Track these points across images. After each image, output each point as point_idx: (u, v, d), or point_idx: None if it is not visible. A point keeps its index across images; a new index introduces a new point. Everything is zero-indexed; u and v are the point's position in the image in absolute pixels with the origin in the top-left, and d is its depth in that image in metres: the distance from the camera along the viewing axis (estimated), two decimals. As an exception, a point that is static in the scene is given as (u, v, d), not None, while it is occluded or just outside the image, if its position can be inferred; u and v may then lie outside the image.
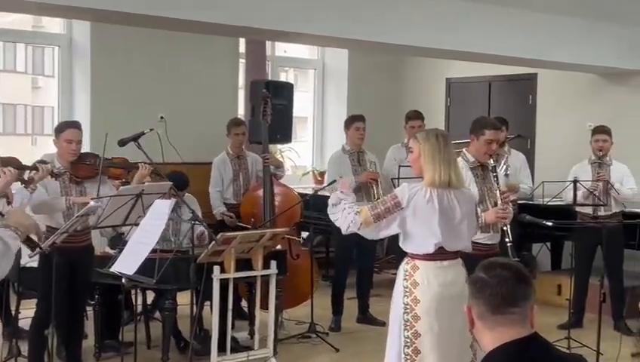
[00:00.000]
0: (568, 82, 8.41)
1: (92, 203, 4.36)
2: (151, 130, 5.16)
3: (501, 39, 6.86)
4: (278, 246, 5.41)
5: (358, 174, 6.35)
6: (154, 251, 4.05)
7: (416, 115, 6.84)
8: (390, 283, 7.44)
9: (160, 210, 4.02)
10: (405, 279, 3.68)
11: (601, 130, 6.36)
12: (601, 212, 6.22)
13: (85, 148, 5.52)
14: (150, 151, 5.01)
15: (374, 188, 6.27)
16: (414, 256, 3.69)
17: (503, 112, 8.03)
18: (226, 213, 6.38)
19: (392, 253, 8.78)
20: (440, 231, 3.61)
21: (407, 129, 6.68)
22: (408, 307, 3.64)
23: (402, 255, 3.79)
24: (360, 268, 6.61)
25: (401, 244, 3.75)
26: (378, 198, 6.19)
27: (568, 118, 8.39)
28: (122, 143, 4.95)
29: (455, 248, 3.71)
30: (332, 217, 3.81)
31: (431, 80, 9.61)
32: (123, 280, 4.14)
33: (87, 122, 7.22)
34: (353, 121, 6.49)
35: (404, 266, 3.72)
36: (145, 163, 4.93)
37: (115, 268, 4.03)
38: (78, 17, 6.68)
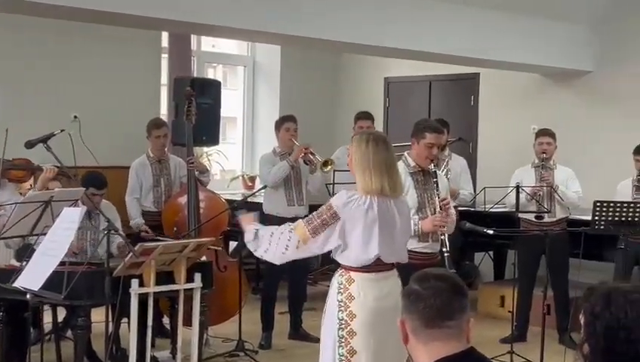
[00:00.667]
0: (511, 82, 8.58)
1: (-8, 211, 4.23)
2: (62, 130, 5.05)
3: (442, 37, 6.95)
4: (203, 258, 5.33)
5: (290, 177, 6.32)
6: (62, 264, 3.94)
7: (365, 116, 6.87)
8: (326, 296, 7.46)
9: (69, 218, 3.91)
10: (340, 292, 3.68)
11: (544, 133, 6.50)
12: (545, 218, 6.35)
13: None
14: (62, 154, 4.89)
15: (313, 159, 6.26)
16: (349, 268, 3.68)
17: (443, 114, 8.15)
18: (143, 228, 6.26)
19: (327, 263, 8.80)
20: (379, 241, 3.62)
21: (356, 130, 6.70)
22: (343, 322, 3.64)
23: (338, 265, 3.78)
24: (292, 279, 6.59)
25: (334, 256, 3.73)
26: (324, 164, 6.19)
27: (511, 119, 8.56)
28: (30, 145, 4.83)
29: (392, 259, 3.73)
30: (258, 252, 3.72)
31: (369, 79, 9.69)
32: (28, 296, 4.01)
33: (-9, 122, 7.01)
34: (283, 121, 6.48)
35: (338, 278, 3.71)
36: (54, 166, 4.81)
37: (19, 283, 3.90)
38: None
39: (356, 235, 3.61)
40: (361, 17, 6.46)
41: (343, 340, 3.63)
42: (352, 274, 3.67)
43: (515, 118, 8.51)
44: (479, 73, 8.77)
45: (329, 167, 6.27)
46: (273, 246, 3.65)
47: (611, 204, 5.79)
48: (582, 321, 2.37)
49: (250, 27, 6.04)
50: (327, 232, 3.59)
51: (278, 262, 3.75)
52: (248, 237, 3.73)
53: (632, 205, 5.82)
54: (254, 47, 9.48)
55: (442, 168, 6.55)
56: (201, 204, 6.18)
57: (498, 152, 8.47)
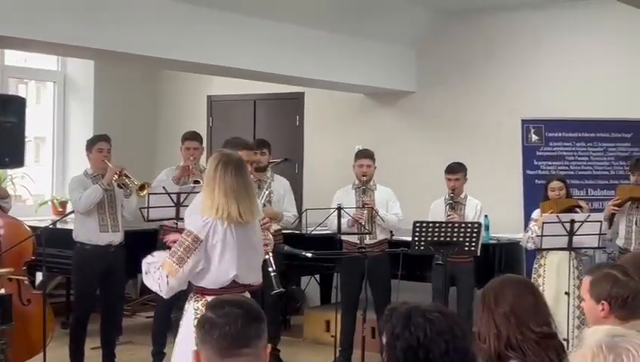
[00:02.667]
0: (336, 102, 8.84)
1: None
2: None
3: (265, 55, 7.07)
4: (2, 290, 5.13)
5: (104, 201, 6.15)
6: None
7: (192, 136, 6.79)
8: (144, 328, 7.33)
9: None
10: (197, 318, 3.67)
11: (364, 155, 6.72)
12: (367, 240, 6.55)
13: None
14: None
15: (128, 182, 6.13)
16: (204, 291, 3.74)
17: (269, 133, 8.28)
18: None
19: (147, 293, 8.63)
20: (238, 262, 3.75)
21: (183, 151, 6.64)
22: None
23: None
24: (106, 311, 6.41)
25: (192, 279, 3.79)
26: (140, 188, 6.07)
27: (337, 140, 8.80)
28: None
29: (249, 280, 3.86)
30: (152, 286, 3.81)
31: (190, 97, 9.68)
32: None
33: None
34: (96, 141, 6.32)
35: (194, 304, 3.78)
36: None
37: None
38: None
39: (215, 256, 3.73)
40: (179, 33, 6.45)
41: None
42: (209, 298, 3.70)
43: (340, 138, 8.76)
44: (304, 93, 8.97)
45: (145, 191, 6.17)
46: (154, 283, 3.75)
47: (430, 225, 6.06)
48: (383, 342, 2.47)
49: (58, 40, 5.89)
50: (193, 258, 3.69)
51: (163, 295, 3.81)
52: (144, 268, 3.84)
53: (449, 225, 6.12)
54: (65, 62, 9.21)
55: (265, 190, 6.64)
56: (1, 232, 5.90)
57: (324, 173, 8.66)
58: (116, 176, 6.14)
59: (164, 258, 3.74)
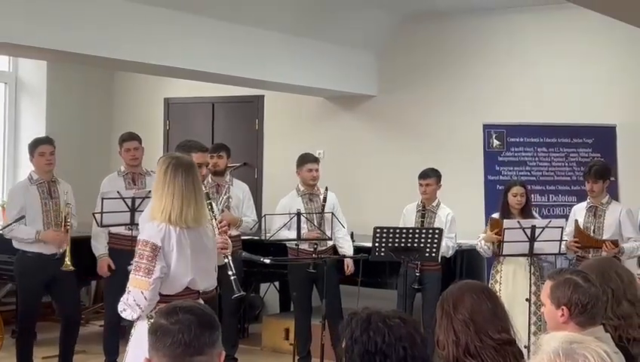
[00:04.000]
0: (297, 106, 8.84)
1: None
2: None
3: (224, 57, 7.06)
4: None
5: (49, 209, 6.06)
6: None
7: (130, 137, 6.67)
8: (98, 336, 7.24)
9: None
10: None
11: (313, 159, 6.74)
12: (319, 247, 6.51)
13: None
14: None
15: (66, 254, 6.01)
16: (159, 299, 3.73)
17: (228, 137, 8.25)
18: None
19: (100, 301, 8.54)
20: (193, 265, 3.78)
21: (123, 153, 6.54)
22: None
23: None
24: (65, 319, 6.30)
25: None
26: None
27: (297, 144, 8.71)
28: None
29: (203, 286, 3.90)
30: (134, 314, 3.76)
31: (147, 99, 9.61)
32: None
33: None
34: (37, 145, 6.18)
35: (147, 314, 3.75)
36: None
37: None
38: None
39: (172, 261, 3.74)
40: (135, 33, 6.41)
41: None
42: (162, 306, 3.67)
43: (301, 142, 8.70)
44: (264, 96, 8.94)
45: (70, 268, 6.05)
46: (128, 306, 3.72)
47: (391, 230, 6.06)
48: (343, 346, 2.48)
49: (10, 40, 5.81)
50: (158, 264, 3.69)
51: (137, 314, 3.74)
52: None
53: (410, 231, 6.13)
54: (17, 63, 9.09)
55: (223, 194, 6.61)
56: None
57: (284, 178, 8.57)
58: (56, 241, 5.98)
59: (130, 278, 3.74)
